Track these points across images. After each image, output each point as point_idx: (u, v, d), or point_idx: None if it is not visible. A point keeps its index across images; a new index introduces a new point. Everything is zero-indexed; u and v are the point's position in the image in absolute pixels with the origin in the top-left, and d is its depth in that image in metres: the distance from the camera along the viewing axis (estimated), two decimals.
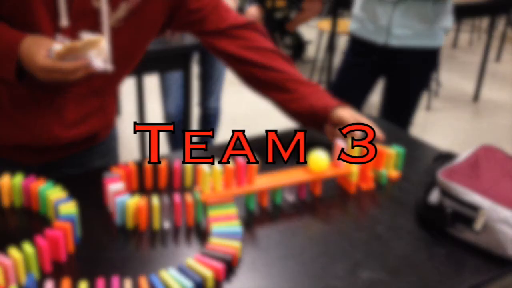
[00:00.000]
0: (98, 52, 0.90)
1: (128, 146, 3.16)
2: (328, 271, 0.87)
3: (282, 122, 3.63)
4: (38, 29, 0.94)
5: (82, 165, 1.23)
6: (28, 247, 0.81)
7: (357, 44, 2.14)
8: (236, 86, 4.32)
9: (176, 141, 2.63)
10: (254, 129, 3.46)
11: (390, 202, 1.08)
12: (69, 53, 0.88)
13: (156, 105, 3.46)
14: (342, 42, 4.11)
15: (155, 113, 3.42)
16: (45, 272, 0.83)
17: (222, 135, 2.82)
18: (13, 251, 0.79)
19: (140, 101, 2.85)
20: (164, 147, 2.94)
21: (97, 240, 0.92)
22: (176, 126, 2.58)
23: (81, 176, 1.13)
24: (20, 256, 0.79)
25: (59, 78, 0.91)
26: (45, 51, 0.89)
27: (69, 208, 0.91)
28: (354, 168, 1.08)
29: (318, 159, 1.06)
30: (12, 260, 0.78)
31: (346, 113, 1.15)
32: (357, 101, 2.22)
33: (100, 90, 1.10)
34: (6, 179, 0.99)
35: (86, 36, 0.88)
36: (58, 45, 0.89)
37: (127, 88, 3.61)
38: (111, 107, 1.18)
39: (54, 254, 0.85)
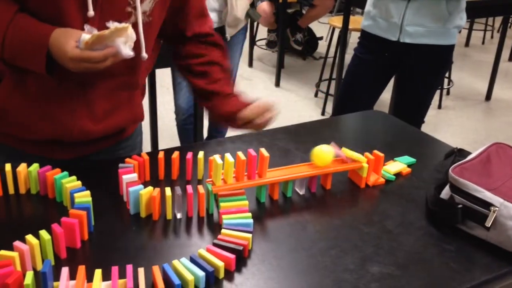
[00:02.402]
0: (126, 40, 0.92)
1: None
2: (338, 264, 0.88)
3: (288, 118, 3.65)
4: (66, 21, 0.96)
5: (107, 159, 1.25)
6: (44, 234, 0.82)
7: (369, 41, 2.13)
8: (246, 81, 4.34)
9: (187, 135, 2.64)
10: None
11: (400, 198, 1.09)
12: (97, 42, 0.90)
13: (167, 99, 3.48)
14: (353, 39, 4.10)
15: (166, 107, 3.44)
16: (60, 258, 0.85)
17: (232, 130, 2.83)
18: (30, 238, 0.81)
19: (152, 95, 2.87)
20: (175, 140, 2.96)
21: (111, 229, 0.94)
22: (188, 120, 2.59)
23: (96, 166, 1.15)
24: (37, 243, 0.81)
25: (89, 68, 0.93)
26: (74, 41, 0.91)
27: (84, 197, 0.93)
28: (365, 163, 1.09)
29: (322, 153, 1.06)
30: (29, 246, 0.80)
31: (247, 112, 1.18)
32: (368, 98, 2.21)
33: (129, 83, 1.12)
34: (22, 167, 1.01)
35: (113, 25, 0.90)
36: (87, 35, 0.91)
37: None
38: (138, 100, 1.19)
39: (69, 241, 0.87)
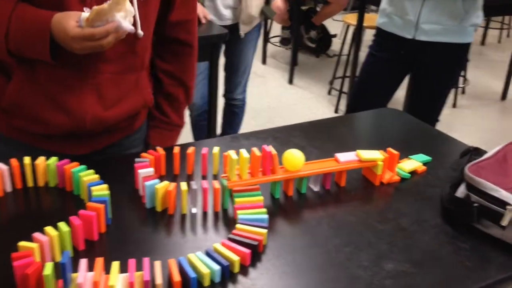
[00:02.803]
0: (125, 14, 0.93)
1: None
2: (353, 261, 0.88)
3: (304, 115, 3.65)
4: (65, 6, 0.97)
5: (125, 151, 1.26)
6: (63, 226, 0.84)
7: (384, 39, 2.12)
8: (259, 78, 4.34)
9: (200, 131, 2.66)
10: (276, 123, 3.47)
11: (415, 196, 1.08)
12: (97, 18, 0.91)
13: None
14: (367, 37, 4.08)
15: None
16: (78, 250, 0.86)
17: (244, 127, 2.84)
18: (49, 229, 0.83)
19: None
20: (188, 136, 2.98)
21: (127, 222, 0.95)
22: (201, 116, 2.60)
23: (112, 160, 1.16)
24: (56, 234, 0.83)
25: (92, 46, 0.94)
26: (75, 21, 0.93)
27: (102, 190, 0.94)
28: (380, 161, 1.09)
29: (293, 157, 1.03)
30: (49, 237, 0.82)
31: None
32: (383, 96, 2.20)
33: (133, 65, 1.13)
34: (41, 160, 1.02)
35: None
36: (86, 12, 0.92)
37: None
38: (145, 81, 1.20)
39: (87, 233, 0.88)
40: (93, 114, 1.08)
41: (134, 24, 1.01)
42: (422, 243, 0.94)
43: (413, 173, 1.16)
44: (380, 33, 2.14)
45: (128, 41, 1.04)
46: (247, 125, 3.10)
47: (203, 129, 2.64)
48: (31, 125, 1.10)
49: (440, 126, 2.15)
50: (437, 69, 2.07)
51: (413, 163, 1.17)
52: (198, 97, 2.56)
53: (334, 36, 4.89)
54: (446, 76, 2.12)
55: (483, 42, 5.57)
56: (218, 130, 2.78)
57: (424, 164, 1.19)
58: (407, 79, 2.32)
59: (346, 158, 1.08)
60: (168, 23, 1.18)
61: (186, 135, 3.11)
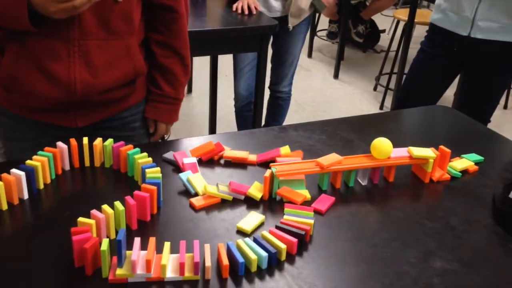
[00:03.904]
0: None
1: (199, 122, 3.25)
2: (400, 256, 0.88)
3: (348, 110, 3.61)
4: None
5: (125, 128, 1.29)
6: (119, 205, 0.87)
7: (438, 35, 2.07)
8: (304, 71, 4.32)
9: (245, 122, 2.68)
10: (320, 117, 3.45)
11: (466, 195, 1.06)
12: None
13: (224, 86, 3.53)
14: (416, 33, 3.99)
15: (225, 93, 3.49)
16: (131, 229, 0.90)
17: (287, 121, 2.84)
18: (106, 208, 0.86)
19: (213, 81, 2.92)
20: (231, 126, 3.01)
21: (177, 205, 0.98)
22: (246, 107, 2.62)
23: (163, 145, 1.20)
24: (112, 212, 0.86)
25: (65, 8, 0.96)
26: None
27: (155, 172, 0.97)
28: (432, 158, 1.07)
29: (382, 145, 1.05)
30: (105, 215, 0.85)
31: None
32: (432, 94, 2.16)
33: (119, 31, 1.14)
34: (98, 141, 1.06)
35: None
36: None
37: (199, 67, 3.71)
38: (135, 48, 1.20)
39: (140, 213, 0.91)
40: (82, 81, 1.10)
41: None
42: (472, 243, 0.92)
43: (464, 172, 1.14)
44: (434, 29, 2.09)
45: (109, 7, 1.07)
46: (290, 118, 3.10)
47: (247, 120, 2.66)
48: (27, 99, 1.14)
49: (490, 127, 2.09)
50: (492, 69, 2.00)
51: (465, 162, 1.15)
52: (243, 88, 2.58)
53: (383, 31, 4.81)
54: (500, 76, 2.06)
55: None
56: (262, 122, 2.79)
57: (476, 163, 1.17)
58: (459, 77, 2.26)
59: (397, 153, 1.07)
60: None
61: (228, 125, 3.15)
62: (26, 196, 0.96)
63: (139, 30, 1.21)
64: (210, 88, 2.94)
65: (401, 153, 1.08)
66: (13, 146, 1.25)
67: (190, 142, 1.20)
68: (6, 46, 1.09)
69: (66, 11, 0.98)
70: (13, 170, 0.94)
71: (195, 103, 3.53)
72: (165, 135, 1.41)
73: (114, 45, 1.14)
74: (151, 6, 1.22)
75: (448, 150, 1.10)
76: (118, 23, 1.12)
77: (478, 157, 1.18)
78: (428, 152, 1.07)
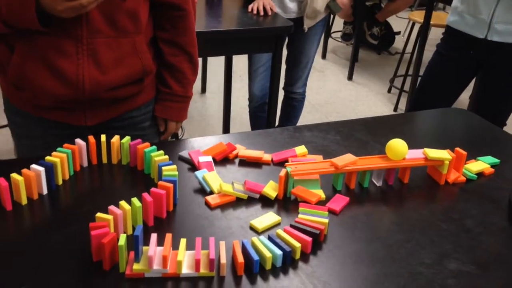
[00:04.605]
0: None
1: (213, 123, 3.27)
2: (415, 257, 0.88)
3: (362, 112, 3.60)
4: None
5: (135, 127, 1.30)
6: (136, 202, 0.88)
7: (454, 38, 2.06)
8: (318, 72, 4.32)
9: (259, 122, 2.68)
10: (334, 118, 3.45)
11: (482, 198, 1.06)
12: None
13: (238, 86, 3.54)
14: (431, 35, 3.97)
15: (239, 94, 3.50)
16: (148, 225, 0.91)
17: (301, 121, 2.84)
18: (123, 204, 0.87)
19: (228, 81, 2.93)
20: (245, 126, 3.02)
21: (193, 203, 0.99)
22: (260, 108, 2.63)
23: (178, 143, 1.21)
24: (129, 209, 0.87)
25: (73, 6, 0.98)
26: None
27: (171, 170, 0.98)
28: (447, 160, 1.07)
29: (397, 145, 1.05)
30: (123, 211, 0.87)
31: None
32: (448, 96, 2.14)
33: (126, 29, 1.15)
34: (115, 139, 1.08)
35: None
36: None
37: (213, 67, 3.72)
38: (143, 47, 1.20)
39: (156, 210, 0.92)
40: (90, 79, 1.12)
41: None
42: (487, 245, 0.92)
43: (480, 174, 1.13)
44: (450, 32, 2.08)
45: (115, 5, 1.08)
46: (304, 119, 3.10)
47: (261, 121, 2.67)
48: (36, 97, 1.15)
49: (506, 130, 2.07)
50: (508, 72, 1.99)
51: (481, 165, 1.15)
52: (257, 88, 2.59)
53: (398, 33, 4.78)
54: None
55: None
56: (276, 122, 2.80)
57: (492, 166, 1.16)
58: (475, 80, 2.24)
59: (412, 155, 1.07)
60: None
61: (242, 125, 3.16)
62: (45, 191, 0.97)
63: (147, 28, 1.22)
64: (224, 88, 2.95)
65: (416, 154, 1.08)
66: (24, 144, 1.27)
67: (205, 141, 1.21)
68: (16, 44, 1.11)
69: (74, 9, 1.00)
70: (33, 166, 0.96)
71: (209, 104, 3.55)
72: (178, 133, 1.42)
73: (121, 43, 1.15)
74: (158, 4, 1.23)
75: (464, 152, 1.10)
76: (125, 21, 1.13)
77: (494, 160, 1.18)
78: (443, 154, 1.07)
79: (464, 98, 2.77)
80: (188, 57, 1.31)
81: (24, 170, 0.95)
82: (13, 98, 1.21)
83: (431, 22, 3.20)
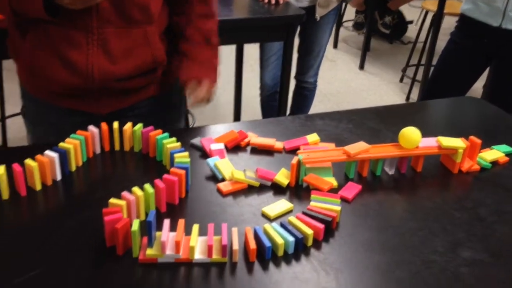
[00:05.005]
0: None
1: (224, 112, 3.27)
2: (427, 245, 0.88)
3: (374, 102, 3.58)
4: None
5: (146, 117, 1.27)
6: (148, 188, 0.89)
7: (468, 26, 2.04)
8: (329, 62, 4.29)
9: (271, 111, 2.68)
10: (345, 107, 3.43)
11: (496, 186, 1.05)
12: None
13: (249, 76, 3.53)
14: (445, 24, 3.92)
15: (250, 83, 3.49)
16: (160, 212, 0.91)
17: (312, 111, 2.83)
18: (136, 190, 0.88)
19: (238, 70, 2.93)
20: (256, 115, 3.01)
21: (205, 190, 0.99)
22: (271, 97, 2.62)
23: (190, 131, 1.21)
24: (142, 194, 0.88)
25: None
26: None
27: (184, 157, 0.98)
28: (460, 148, 1.06)
29: (411, 133, 1.04)
30: (135, 197, 0.87)
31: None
32: (462, 85, 2.12)
33: (137, 20, 1.14)
34: (128, 126, 1.08)
35: None
36: None
37: (224, 56, 3.71)
38: (154, 37, 1.19)
39: (169, 197, 0.93)
40: (100, 68, 1.11)
41: None
42: (501, 234, 0.91)
43: (494, 163, 1.12)
44: (464, 20, 2.05)
45: None
46: (315, 108, 3.08)
47: (272, 110, 2.66)
48: (48, 85, 1.15)
49: None
50: None
51: (495, 153, 1.13)
52: (269, 78, 2.58)
53: (410, 22, 4.73)
54: None
55: None
56: (287, 111, 2.79)
57: (507, 155, 1.15)
58: (489, 68, 2.22)
59: (425, 143, 1.06)
60: None
61: (254, 114, 3.15)
62: (59, 177, 0.98)
63: (160, 19, 1.21)
64: (235, 77, 2.95)
65: (430, 142, 1.07)
66: (38, 131, 1.28)
67: (216, 129, 1.21)
68: (27, 31, 1.11)
69: (82, 1, 0.99)
70: (47, 152, 0.97)
71: (220, 93, 3.53)
72: (189, 122, 1.38)
73: (132, 33, 1.14)
74: None
75: (478, 141, 1.08)
76: (135, 12, 1.13)
77: (509, 148, 1.16)
78: (457, 142, 1.06)
79: (477, 87, 2.74)
80: (209, 14, 1.28)
81: (38, 156, 0.96)
82: (28, 85, 1.22)
83: (445, 11, 3.16)
